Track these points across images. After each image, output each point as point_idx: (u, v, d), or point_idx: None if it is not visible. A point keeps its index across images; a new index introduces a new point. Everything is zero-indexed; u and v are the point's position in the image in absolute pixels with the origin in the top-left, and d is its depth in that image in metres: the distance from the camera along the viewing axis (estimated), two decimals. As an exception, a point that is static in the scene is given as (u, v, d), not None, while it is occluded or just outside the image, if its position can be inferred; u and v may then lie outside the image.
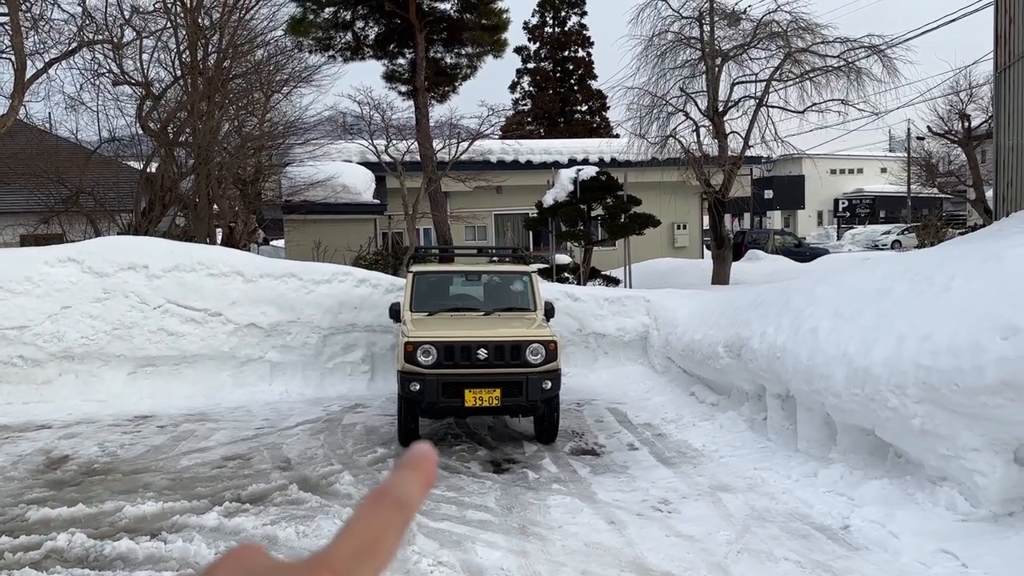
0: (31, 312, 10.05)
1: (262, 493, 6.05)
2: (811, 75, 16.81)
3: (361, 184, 22.32)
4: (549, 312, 8.54)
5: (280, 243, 27.12)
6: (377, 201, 22.46)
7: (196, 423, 8.63)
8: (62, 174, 16.05)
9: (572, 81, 48.99)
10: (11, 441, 7.91)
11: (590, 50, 49.00)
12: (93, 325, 10.13)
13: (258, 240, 25.68)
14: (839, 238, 49.82)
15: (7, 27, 14.15)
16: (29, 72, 14.42)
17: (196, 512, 5.55)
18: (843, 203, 59.33)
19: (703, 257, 25.55)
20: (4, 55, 15.07)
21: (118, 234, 15.45)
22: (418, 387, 7.15)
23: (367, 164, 22.70)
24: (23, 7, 14.10)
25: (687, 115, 17.86)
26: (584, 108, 49.61)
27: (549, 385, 7.33)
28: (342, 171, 21.98)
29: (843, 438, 6.32)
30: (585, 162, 21.80)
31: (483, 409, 7.37)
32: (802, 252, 32.53)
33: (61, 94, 23.71)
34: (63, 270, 10.43)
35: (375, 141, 19.58)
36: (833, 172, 59.47)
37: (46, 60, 15.04)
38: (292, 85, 19.45)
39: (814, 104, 17.08)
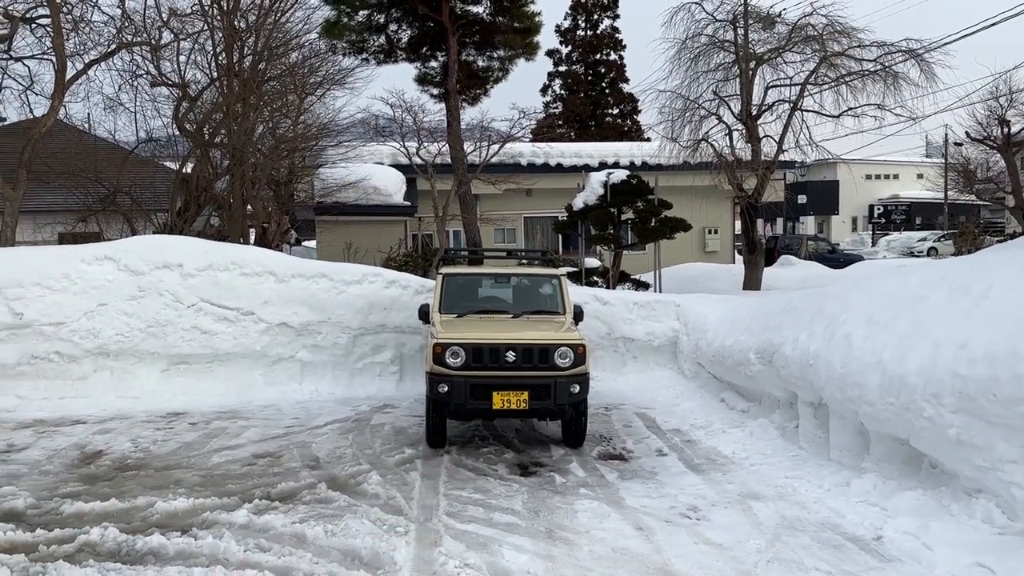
0: (68, 309, 10.22)
1: (291, 491, 6.09)
2: (847, 79, 16.60)
3: (392, 186, 22.45)
4: (578, 316, 8.51)
5: (312, 244, 27.38)
6: (407, 203, 22.57)
7: (227, 420, 8.73)
8: (100, 174, 16.35)
9: (603, 84, 48.91)
10: (47, 436, 8.05)
11: (622, 53, 48.93)
12: (128, 322, 10.29)
13: (290, 241, 25.94)
14: (874, 244, 49.19)
15: (48, 28, 14.46)
16: (69, 73, 14.71)
17: (226, 509, 5.60)
18: (878, 209, 58.55)
19: (734, 262, 25.35)
20: (45, 56, 15.41)
21: (154, 233, 15.70)
22: (446, 389, 7.17)
23: (398, 166, 22.84)
24: (64, 9, 14.38)
25: (720, 119, 17.72)
26: (615, 111, 49.52)
27: (577, 389, 7.31)
28: (373, 173, 22.14)
29: (877, 447, 6.22)
30: (616, 165, 21.77)
31: (510, 412, 7.36)
32: (836, 258, 32.12)
33: (100, 95, 24.17)
34: (100, 268, 10.61)
35: (407, 143, 19.67)
36: (868, 177, 58.71)
37: (86, 61, 15.33)
38: (326, 88, 19.61)
39: (850, 108, 16.87)
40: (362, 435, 8.06)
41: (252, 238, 18.74)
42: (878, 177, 62.71)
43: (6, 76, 15.67)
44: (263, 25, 16.41)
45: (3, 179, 14.06)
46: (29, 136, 14.28)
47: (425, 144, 19.78)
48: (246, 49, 16.55)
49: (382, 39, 19.41)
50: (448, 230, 20.28)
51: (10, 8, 14.60)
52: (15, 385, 9.81)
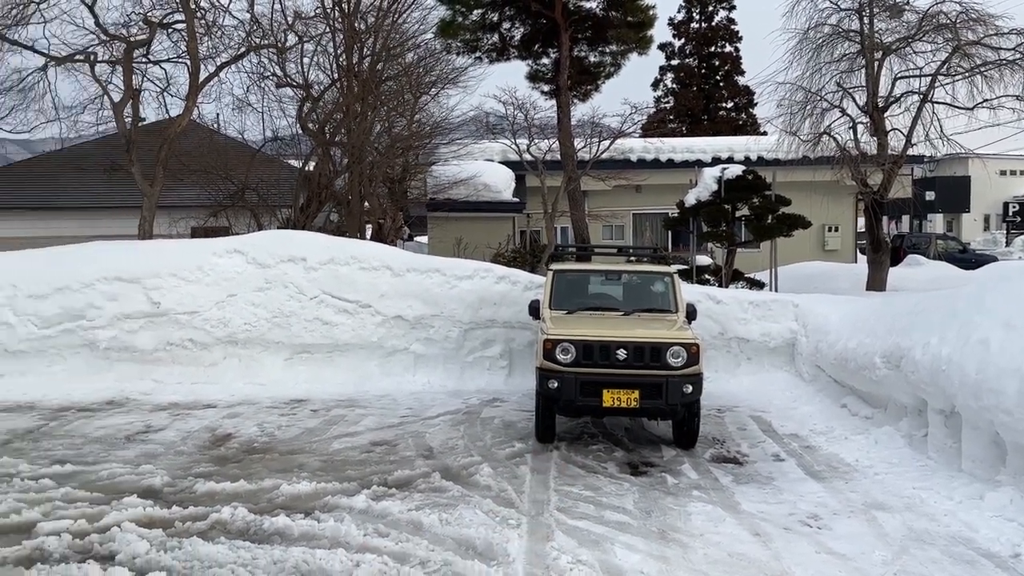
0: (201, 299, 10.80)
1: (407, 479, 6.22)
2: (982, 69, 15.53)
3: (502, 183, 22.63)
4: (691, 314, 8.33)
5: (423, 239, 27.94)
6: (516, 200, 22.70)
7: (346, 408, 9.01)
8: (230, 171, 17.21)
9: (717, 77, 47.75)
10: (181, 418, 8.53)
11: (737, 45, 47.59)
12: (255, 313, 10.77)
13: (403, 236, 26.58)
14: (1008, 244, 46.09)
15: (183, 33, 15.33)
16: (202, 76, 15.57)
17: (346, 494, 5.77)
18: (1013, 207, 54.75)
19: (856, 261, 24.24)
20: (180, 59, 16.36)
21: (278, 228, 16.40)
22: (556, 385, 7.16)
23: (508, 163, 22.98)
24: (198, 14, 15.21)
25: (843, 111, 16.95)
26: (729, 105, 48.24)
27: (690, 389, 7.16)
28: (484, 170, 22.37)
29: (1014, 459, 5.80)
30: (730, 160, 21.15)
31: (621, 410, 7.28)
32: (967, 258, 30.23)
33: (230, 96, 25.38)
34: (230, 261, 11.16)
35: (517, 140, 19.78)
36: (1003, 173, 54.90)
37: (217, 64, 16.18)
38: (440, 87, 20.00)
39: (985, 100, 15.78)
40: (473, 427, 8.16)
41: (368, 234, 19.30)
42: (1013, 173, 58.55)
43: (145, 79, 16.74)
44: (381, 26, 16.86)
45: (142, 176, 15.01)
46: (165, 135, 15.20)
47: (535, 141, 19.83)
48: (365, 50, 17.04)
49: (495, 37, 19.57)
50: (556, 226, 20.29)
51: (149, 15, 15.58)
52: (152, 370, 10.46)
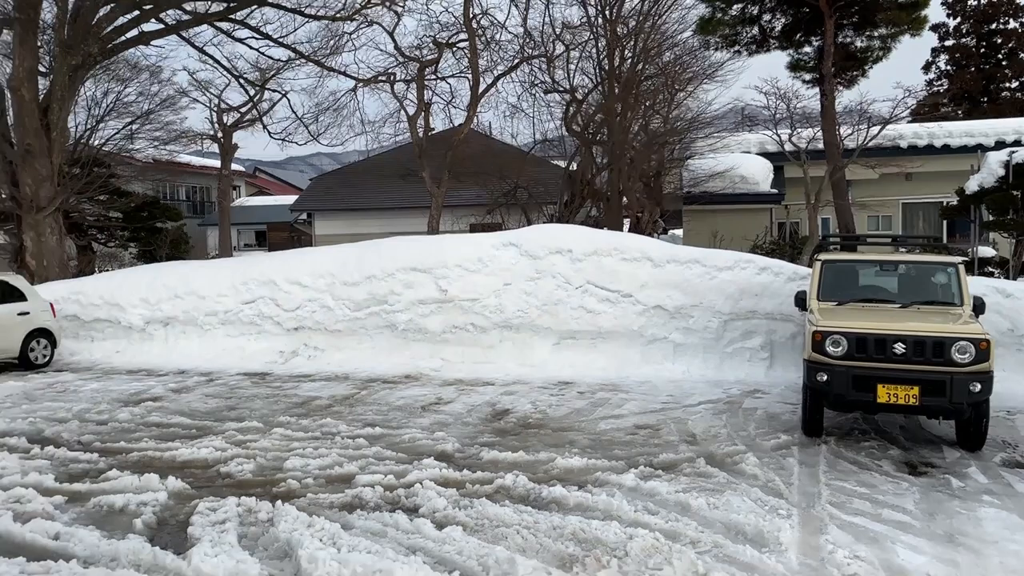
0: (480, 287, 11.49)
1: (672, 462, 6.15)
2: None
3: (759, 174, 21.63)
4: (978, 308, 7.39)
5: (679, 232, 27.50)
6: (775, 191, 21.58)
7: (610, 392, 9.12)
8: (503, 172, 18.13)
9: (999, 56, 41.71)
10: (465, 393, 9.13)
11: (1023, 20, 41.18)
12: (527, 300, 11.25)
13: (658, 230, 26.35)
14: None
15: (466, 51, 16.38)
16: (481, 87, 16.56)
17: (615, 471, 5.82)
18: None
19: None
20: (463, 74, 17.52)
21: (544, 223, 17.01)
22: (826, 378, 6.70)
23: (765, 154, 21.92)
24: (478, 33, 16.17)
25: None
26: (1014, 85, 41.96)
27: (978, 388, 6.36)
28: (740, 162, 21.52)
29: None
30: (1017, 144, 18.50)
31: (897, 407, 6.65)
32: None
33: (505, 104, 26.78)
34: (506, 253, 11.74)
35: (778, 131, 18.77)
36: None
37: (494, 75, 17.10)
38: (697, 83, 19.52)
39: None
40: (735, 417, 7.88)
41: (626, 227, 19.39)
42: None
43: (434, 94, 18.14)
44: (642, 29, 16.82)
45: (431, 178, 16.31)
46: (450, 143, 16.38)
47: (797, 130, 18.69)
48: (626, 52, 17.10)
49: (754, 30, 18.76)
50: (817, 217, 19.01)
51: (438, 37, 16.85)
52: (440, 349, 11.31)
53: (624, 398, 8.79)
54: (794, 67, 19.52)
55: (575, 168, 17.97)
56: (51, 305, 12.13)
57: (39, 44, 14.93)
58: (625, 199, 18.61)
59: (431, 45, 16.88)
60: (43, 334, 11.85)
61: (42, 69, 15.49)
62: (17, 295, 11.70)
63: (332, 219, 22.44)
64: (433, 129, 18.17)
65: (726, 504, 5.07)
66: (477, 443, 6.76)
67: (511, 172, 18.01)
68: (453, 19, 16.53)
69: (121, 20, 14.97)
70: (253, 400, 8.94)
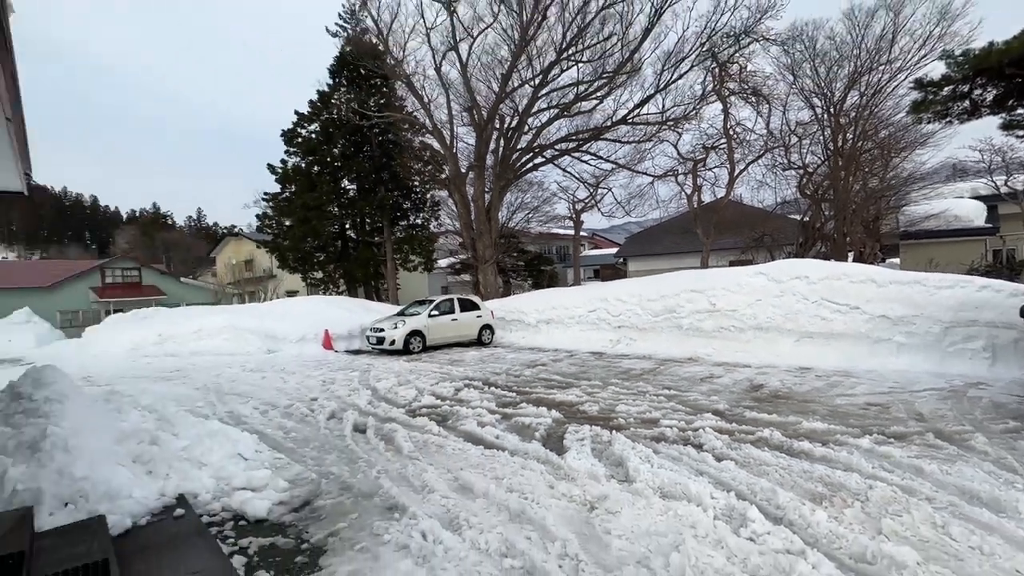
0: (738, 302, 10.81)
1: (902, 433, 5.12)
2: None
3: (972, 213, 16.96)
4: None
5: (895, 260, 22.66)
6: (988, 224, 16.75)
7: (842, 377, 7.91)
8: (753, 226, 16.82)
9: None
10: (729, 372, 8.54)
11: None
12: (774, 311, 10.34)
13: (877, 260, 22.02)
14: None
15: (724, 149, 15.62)
16: (736, 171, 15.64)
17: (852, 436, 5.04)
18: None
19: None
20: (722, 165, 16.67)
21: (785, 259, 15.44)
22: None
23: (979, 197, 17.14)
24: (734, 135, 15.36)
25: None
26: None
27: None
28: (953, 206, 17.13)
29: None
30: None
31: None
32: None
33: (753, 180, 24.73)
34: (757, 279, 10.96)
35: (994, 178, 14.66)
36: None
37: (745, 162, 16.04)
38: (910, 150, 16.10)
39: None
40: (960, 403, 6.25)
41: (849, 259, 16.66)
42: None
43: (703, 180, 17.57)
44: (861, 116, 14.49)
45: (702, 232, 15.79)
46: (715, 208, 15.69)
47: (1015, 176, 14.39)
48: (847, 134, 14.85)
49: (965, 103, 14.81)
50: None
51: (704, 143, 16.33)
52: (709, 342, 10.81)
53: (855, 382, 7.51)
54: (1007, 127, 14.86)
55: (807, 220, 16.00)
56: (491, 312, 14.02)
57: (485, 176, 17.78)
58: (848, 238, 16.04)
59: (701, 149, 16.44)
60: (487, 328, 13.47)
61: (486, 187, 18.38)
62: (475, 307, 13.71)
63: (639, 261, 22.80)
64: (703, 202, 17.61)
65: (959, 472, 4.12)
66: (741, 405, 6.31)
67: (758, 225, 16.65)
68: (716, 130, 15.92)
69: (524, 158, 17.17)
70: (595, 368, 9.27)
